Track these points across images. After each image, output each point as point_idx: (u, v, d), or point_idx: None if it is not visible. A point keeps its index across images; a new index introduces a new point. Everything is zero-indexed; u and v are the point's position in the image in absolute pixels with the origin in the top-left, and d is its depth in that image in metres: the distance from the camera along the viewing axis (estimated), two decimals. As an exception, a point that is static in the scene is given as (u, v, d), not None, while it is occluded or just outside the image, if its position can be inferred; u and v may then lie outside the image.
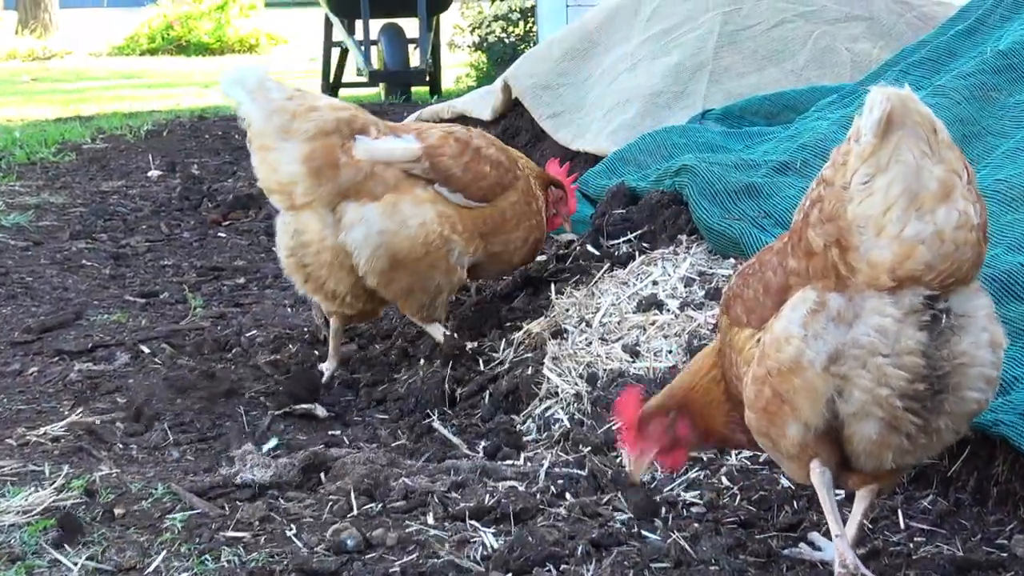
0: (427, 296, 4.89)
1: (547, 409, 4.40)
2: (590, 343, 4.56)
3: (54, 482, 4.08)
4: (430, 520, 3.74)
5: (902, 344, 2.91)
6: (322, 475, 4.07)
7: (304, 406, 4.78)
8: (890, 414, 2.97)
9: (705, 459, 4.02)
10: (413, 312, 4.96)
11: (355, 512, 3.84)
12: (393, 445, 4.47)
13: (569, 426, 4.28)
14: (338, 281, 4.82)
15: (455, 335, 4.98)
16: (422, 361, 5.00)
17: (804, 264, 3.05)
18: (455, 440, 4.45)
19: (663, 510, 3.75)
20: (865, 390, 2.96)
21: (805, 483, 3.26)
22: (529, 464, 4.13)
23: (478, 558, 3.52)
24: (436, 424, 4.59)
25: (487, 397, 4.65)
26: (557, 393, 4.43)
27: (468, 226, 4.88)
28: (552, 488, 3.91)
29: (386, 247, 4.74)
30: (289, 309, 6.07)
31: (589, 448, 4.12)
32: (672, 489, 3.89)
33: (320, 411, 4.77)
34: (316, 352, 5.25)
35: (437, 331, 4.99)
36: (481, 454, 4.30)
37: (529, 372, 4.58)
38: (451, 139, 4.91)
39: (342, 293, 4.85)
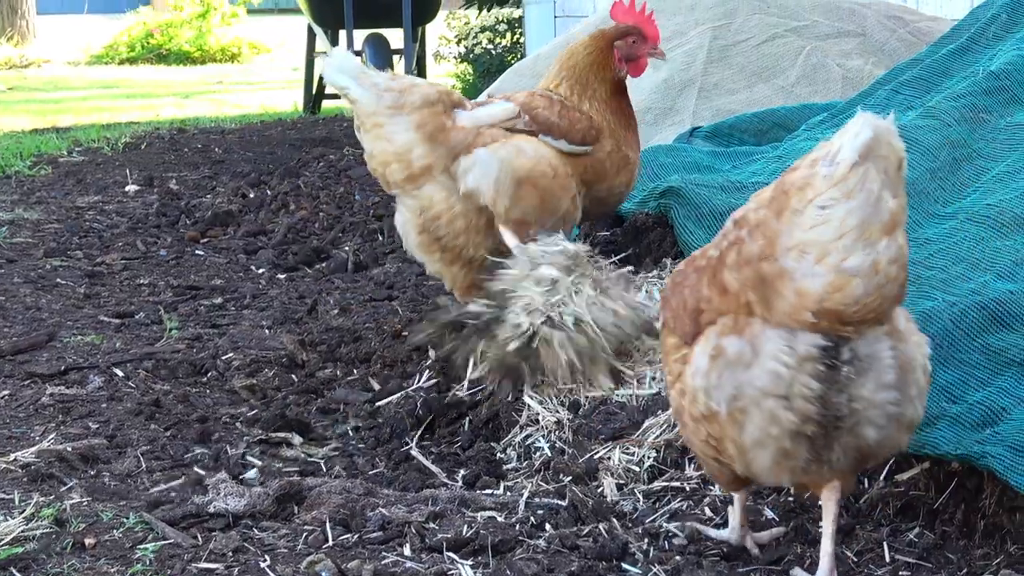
0: (557, 219, 5.02)
1: (528, 437, 4.33)
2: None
3: (23, 511, 3.98)
4: (407, 551, 3.66)
5: (795, 389, 3.02)
6: (297, 505, 3.97)
7: (280, 434, 4.70)
8: (781, 447, 3.11)
9: (688, 489, 3.95)
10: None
11: (330, 543, 3.75)
12: (370, 473, 4.39)
13: (550, 455, 4.22)
14: (476, 245, 5.00)
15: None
16: (403, 386, 4.93)
17: (716, 297, 3.15)
18: (433, 468, 4.37)
19: (645, 542, 3.67)
20: (757, 427, 3.10)
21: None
22: (509, 494, 4.06)
23: (456, 592, 3.42)
24: (414, 452, 4.51)
25: (467, 424, 4.58)
26: (538, 420, 4.36)
27: (577, 171, 5.06)
28: (532, 519, 3.83)
29: (508, 168, 4.94)
30: (267, 331, 5.98)
31: (570, 477, 4.05)
32: (654, 520, 3.81)
33: (296, 439, 4.69)
34: (293, 377, 5.16)
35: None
36: (460, 483, 4.22)
37: (510, 399, 4.50)
38: (536, 96, 5.12)
39: (481, 256, 4.99)
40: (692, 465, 4.02)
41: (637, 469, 4.03)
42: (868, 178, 2.82)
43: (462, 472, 4.31)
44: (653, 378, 4.38)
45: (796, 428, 3.07)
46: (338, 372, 5.28)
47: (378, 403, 4.90)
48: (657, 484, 4.01)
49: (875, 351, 3.03)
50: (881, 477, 3.73)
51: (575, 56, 5.16)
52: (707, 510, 3.85)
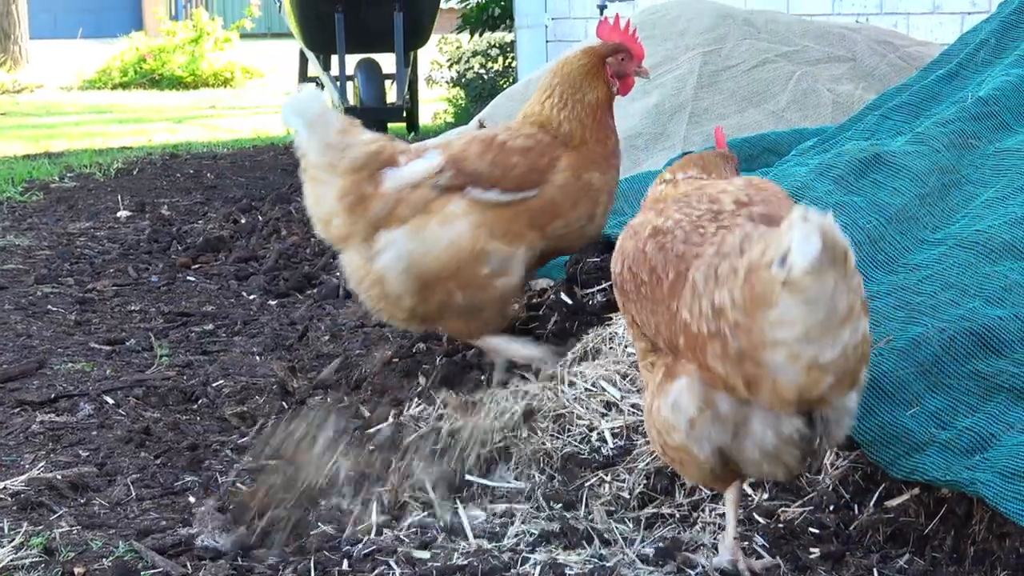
0: (466, 316, 4.87)
1: (517, 464, 4.31)
2: (562, 396, 4.46)
3: (12, 540, 3.98)
4: (395, 579, 3.64)
5: (783, 457, 3.26)
6: (286, 535, 3.97)
7: (271, 461, 4.69)
8: (773, 461, 3.29)
9: (678, 516, 3.94)
10: (458, 332, 4.96)
11: (319, 572, 3.73)
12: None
13: (540, 481, 4.19)
14: (402, 308, 4.87)
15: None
16: (391, 412, 4.91)
17: (681, 343, 3.27)
18: (431, 496, 4.34)
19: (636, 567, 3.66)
20: (752, 465, 3.32)
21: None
22: (498, 520, 4.03)
23: (445, 621, 3.40)
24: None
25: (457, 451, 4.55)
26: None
27: (512, 226, 4.82)
28: (521, 546, 3.81)
29: (413, 267, 4.77)
30: (257, 358, 5.98)
31: (560, 504, 4.03)
32: (643, 545, 3.79)
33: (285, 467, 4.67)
34: (284, 404, 5.15)
35: (505, 345, 4.90)
36: (450, 511, 4.19)
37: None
38: (475, 142, 4.90)
39: (419, 316, 4.90)
40: (682, 492, 4.01)
41: (627, 496, 4.02)
42: (825, 281, 2.92)
43: (452, 499, 4.27)
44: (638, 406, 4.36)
45: (785, 474, 3.36)
46: (328, 399, 5.27)
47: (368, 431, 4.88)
48: (648, 510, 3.99)
49: (844, 404, 3.22)
50: (871, 503, 3.72)
51: (569, 64, 5.03)
52: (700, 534, 3.84)
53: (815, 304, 2.94)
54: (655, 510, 3.96)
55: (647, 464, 4.08)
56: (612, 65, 4.99)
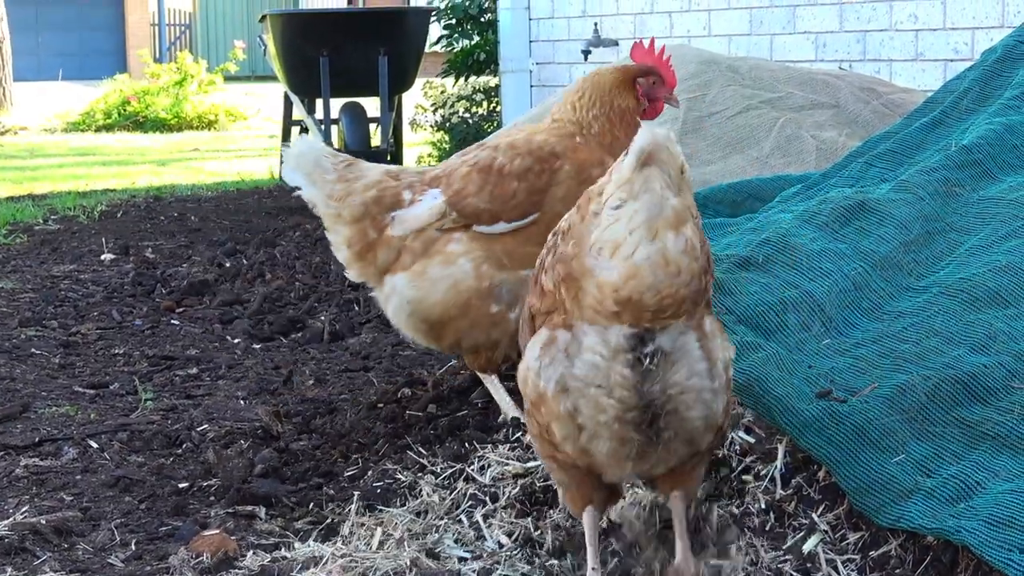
0: (475, 353, 4.90)
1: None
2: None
3: (-4, 585, 3.98)
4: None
5: (612, 379, 3.26)
6: (270, 582, 3.95)
7: (248, 507, 4.67)
8: (614, 432, 3.32)
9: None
10: (476, 367, 4.97)
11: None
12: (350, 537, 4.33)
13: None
14: (424, 343, 5.02)
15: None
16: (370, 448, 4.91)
17: (538, 301, 3.44)
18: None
19: None
20: (589, 416, 3.32)
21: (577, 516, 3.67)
22: (488, 559, 4.01)
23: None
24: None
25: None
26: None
27: (520, 249, 4.76)
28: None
29: (416, 314, 4.82)
30: (242, 402, 5.97)
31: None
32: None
33: (261, 512, 4.65)
34: (269, 448, 5.13)
35: (498, 391, 4.92)
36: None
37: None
38: (473, 173, 4.84)
39: (442, 348, 5.04)
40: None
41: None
42: (650, 179, 3.09)
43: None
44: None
45: (620, 413, 3.29)
46: (312, 444, 5.25)
47: (350, 472, 4.88)
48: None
49: (681, 343, 3.26)
50: (856, 551, 3.72)
51: (601, 75, 4.90)
52: None
53: (639, 202, 3.09)
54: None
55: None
56: (643, 85, 4.94)
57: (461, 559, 3.92)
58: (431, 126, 16.49)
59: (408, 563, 3.84)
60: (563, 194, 4.75)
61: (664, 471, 3.50)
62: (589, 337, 3.26)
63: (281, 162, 5.10)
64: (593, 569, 3.60)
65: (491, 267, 4.76)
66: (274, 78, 16.07)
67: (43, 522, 4.53)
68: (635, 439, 3.33)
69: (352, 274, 4.99)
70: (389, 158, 14.29)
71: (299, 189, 5.02)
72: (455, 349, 4.97)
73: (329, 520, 4.41)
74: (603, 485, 3.57)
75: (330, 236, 5.00)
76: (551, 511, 4.12)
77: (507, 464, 4.46)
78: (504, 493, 4.27)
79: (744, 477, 4.07)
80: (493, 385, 4.93)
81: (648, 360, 3.23)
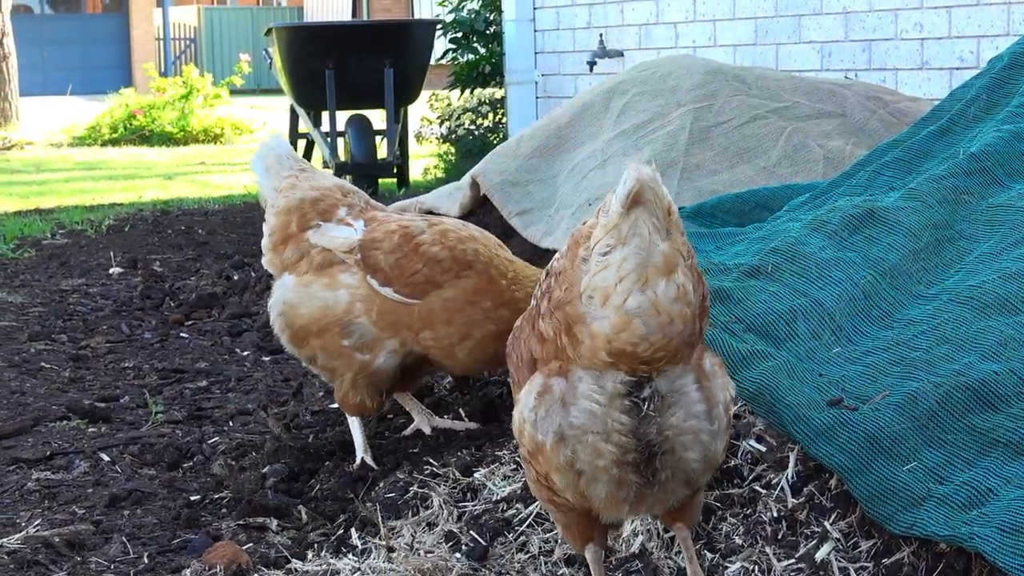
0: (327, 373, 5.09)
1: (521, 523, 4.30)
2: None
3: (9, 599, 3.99)
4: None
5: (609, 425, 3.21)
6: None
7: (260, 519, 4.68)
8: (612, 476, 3.28)
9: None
10: (339, 399, 5.12)
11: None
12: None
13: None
14: (285, 345, 5.18)
15: (371, 462, 5.02)
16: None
17: (537, 346, 3.36)
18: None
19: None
20: (587, 461, 3.28)
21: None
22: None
23: None
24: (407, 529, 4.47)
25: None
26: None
27: (389, 317, 4.93)
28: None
29: (285, 316, 5.03)
30: (251, 415, 5.97)
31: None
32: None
33: (273, 524, 4.66)
34: (281, 461, 5.14)
35: (356, 431, 5.10)
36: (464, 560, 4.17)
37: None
38: (396, 235, 4.99)
39: (301, 357, 5.18)
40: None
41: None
42: (638, 224, 3.01)
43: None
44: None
45: (618, 457, 3.26)
46: (322, 455, 5.26)
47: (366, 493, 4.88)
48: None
49: (678, 386, 3.22)
50: (868, 559, 3.72)
51: None
52: None
53: (628, 247, 3.02)
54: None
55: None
56: None
57: (474, 569, 3.92)
58: (437, 138, 16.51)
59: (420, 575, 3.84)
60: (449, 297, 4.90)
61: (662, 511, 3.50)
62: (584, 383, 3.23)
63: None
64: None
65: (361, 310, 4.94)
66: (280, 91, 16.11)
67: (56, 536, 4.54)
68: (632, 482, 3.31)
69: (264, 262, 5.23)
70: (396, 170, 14.35)
71: (257, 179, 5.31)
72: (312, 363, 5.12)
73: (341, 532, 4.42)
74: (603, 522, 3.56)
75: (264, 227, 5.23)
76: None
77: (517, 474, 4.47)
78: (515, 504, 4.28)
79: (755, 486, 4.07)
80: (353, 425, 5.11)
81: (646, 405, 3.20)
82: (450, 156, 15.74)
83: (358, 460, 5.02)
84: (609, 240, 3.04)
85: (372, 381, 4.98)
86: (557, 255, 3.32)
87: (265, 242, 5.19)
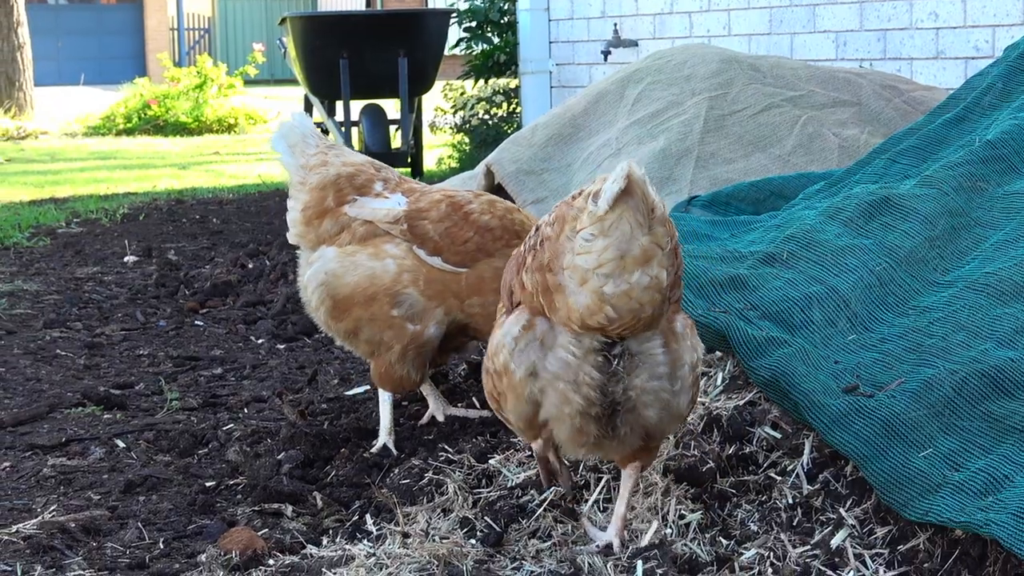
0: (369, 346, 5.01)
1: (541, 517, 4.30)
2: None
3: (25, 583, 3.99)
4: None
5: (580, 378, 3.53)
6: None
7: (275, 505, 4.68)
8: (574, 424, 3.61)
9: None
10: (372, 372, 5.11)
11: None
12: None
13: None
14: (320, 320, 5.14)
15: (393, 447, 5.02)
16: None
17: (519, 290, 3.67)
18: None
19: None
20: (554, 404, 3.61)
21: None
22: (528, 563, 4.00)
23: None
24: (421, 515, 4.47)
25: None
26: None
27: (437, 287, 4.92)
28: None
29: (327, 287, 4.97)
30: (266, 402, 5.98)
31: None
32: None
33: (288, 510, 4.66)
34: (296, 447, 5.14)
35: (386, 411, 5.08)
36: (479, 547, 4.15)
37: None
38: (444, 204, 4.99)
39: (336, 332, 5.11)
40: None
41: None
42: (622, 219, 3.28)
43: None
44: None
45: (583, 408, 3.57)
46: (338, 441, 5.26)
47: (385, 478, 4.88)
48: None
49: (646, 348, 3.52)
50: (884, 545, 3.72)
51: None
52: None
53: (610, 239, 3.30)
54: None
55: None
56: None
57: (488, 555, 3.93)
58: (451, 128, 16.50)
59: (435, 561, 3.84)
60: (500, 266, 4.83)
61: (618, 457, 3.80)
62: (563, 336, 3.52)
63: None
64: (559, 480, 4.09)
65: (409, 279, 4.91)
66: (294, 81, 16.10)
67: (71, 521, 4.55)
68: (593, 432, 3.62)
69: (291, 235, 5.15)
70: (409, 160, 14.33)
71: (280, 157, 5.19)
72: (351, 338, 5.05)
73: (356, 518, 4.42)
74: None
75: (289, 203, 5.15)
76: (580, 506, 4.13)
77: (532, 460, 4.47)
78: (529, 491, 4.28)
79: (771, 473, 4.08)
80: (385, 403, 5.09)
81: (616, 361, 3.50)
82: (464, 146, 15.73)
83: (380, 444, 5.01)
84: (594, 229, 3.31)
85: (420, 352, 4.97)
86: (548, 218, 3.56)
87: (295, 216, 5.10)
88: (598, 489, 4.17)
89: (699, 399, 4.47)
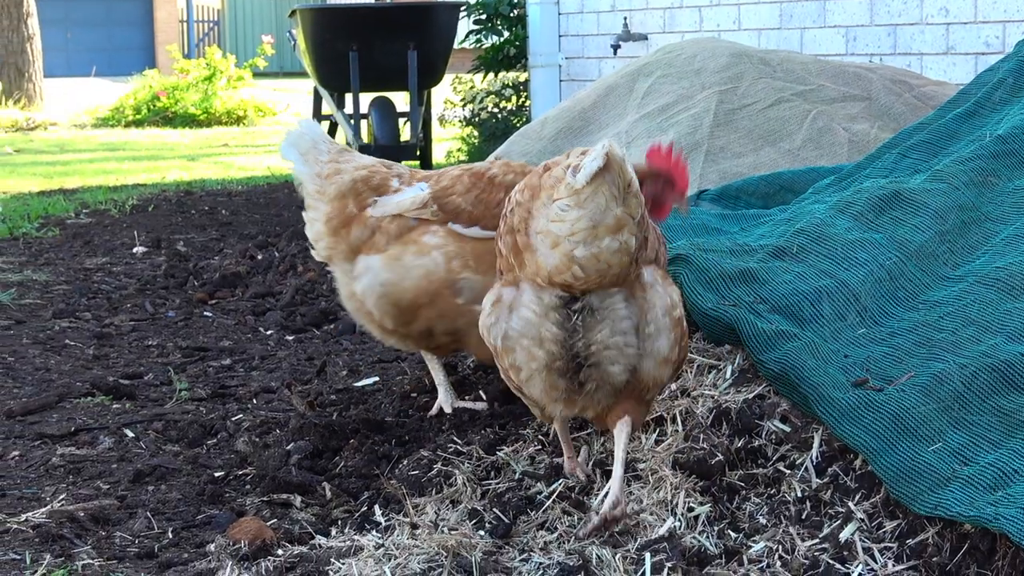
0: (453, 339, 5.06)
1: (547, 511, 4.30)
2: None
3: (35, 572, 3.98)
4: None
5: (542, 333, 3.72)
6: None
7: (284, 495, 4.68)
8: (543, 378, 3.79)
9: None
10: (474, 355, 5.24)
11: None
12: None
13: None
14: (385, 329, 5.13)
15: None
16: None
17: (499, 259, 3.90)
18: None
19: None
20: (523, 361, 3.80)
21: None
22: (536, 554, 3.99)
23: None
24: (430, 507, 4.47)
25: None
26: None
27: (487, 257, 4.82)
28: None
29: (388, 297, 4.97)
30: (275, 392, 5.98)
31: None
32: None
33: (297, 500, 4.67)
34: (305, 438, 5.14)
35: (439, 378, 5.22)
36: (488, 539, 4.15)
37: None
38: (465, 176, 5.02)
39: (405, 336, 5.13)
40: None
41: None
42: (598, 193, 3.47)
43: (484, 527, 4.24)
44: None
45: (548, 363, 3.74)
46: (346, 433, 5.26)
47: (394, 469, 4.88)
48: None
49: (608, 303, 3.67)
50: (893, 539, 3.72)
51: None
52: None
53: (584, 211, 3.49)
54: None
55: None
56: (649, 186, 4.98)
57: (497, 547, 3.93)
58: (460, 121, 16.49)
59: (444, 552, 3.85)
60: None
61: (593, 415, 3.93)
62: (527, 294, 3.72)
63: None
64: (569, 458, 4.26)
65: (459, 264, 4.92)
66: (303, 74, 16.10)
67: (80, 510, 4.55)
68: (562, 387, 3.78)
69: (320, 249, 5.15)
70: (419, 152, 14.32)
71: (292, 165, 5.18)
72: (426, 338, 5.07)
73: (364, 509, 4.42)
74: None
75: (308, 214, 5.15)
76: (590, 498, 4.13)
77: (541, 452, 4.48)
78: (537, 482, 4.28)
79: (780, 466, 4.08)
80: (436, 372, 5.26)
81: (576, 316, 3.67)
82: (473, 139, 15.72)
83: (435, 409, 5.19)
84: (570, 201, 3.50)
85: None
86: (520, 185, 3.78)
87: (320, 229, 5.08)
88: (608, 482, 4.16)
89: (708, 392, 4.48)
